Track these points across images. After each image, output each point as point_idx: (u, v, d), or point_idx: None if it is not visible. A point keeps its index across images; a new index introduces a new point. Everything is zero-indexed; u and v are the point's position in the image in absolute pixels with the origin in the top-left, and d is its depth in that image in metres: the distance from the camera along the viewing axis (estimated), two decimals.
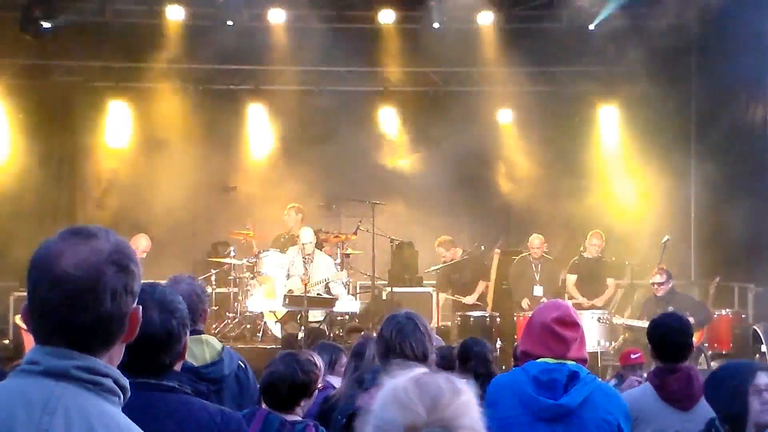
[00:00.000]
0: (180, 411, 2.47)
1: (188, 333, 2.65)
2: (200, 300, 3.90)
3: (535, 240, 11.64)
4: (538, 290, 11.45)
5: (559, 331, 3.45)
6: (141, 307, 1.79)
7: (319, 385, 3.91)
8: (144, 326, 2.46)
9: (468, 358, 5.34)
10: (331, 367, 5.15)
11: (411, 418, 1.48)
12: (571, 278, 11.51)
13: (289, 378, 3.74)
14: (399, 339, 3.63)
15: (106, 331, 1.73)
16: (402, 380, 1.57)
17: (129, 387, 1.77)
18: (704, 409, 3.98)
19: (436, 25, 12.84)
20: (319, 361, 3.89)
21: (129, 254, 1.77)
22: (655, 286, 10.21)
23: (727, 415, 3.72)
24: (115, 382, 1.73)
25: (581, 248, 11.58)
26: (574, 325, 3.51)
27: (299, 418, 3.74)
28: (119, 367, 2.54)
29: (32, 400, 1.66)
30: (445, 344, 6.59)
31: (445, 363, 4.92)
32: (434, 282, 12.21)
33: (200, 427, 2.47)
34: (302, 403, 3.78)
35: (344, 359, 5.13)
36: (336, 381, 4.88)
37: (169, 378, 2.55)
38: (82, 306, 1.69)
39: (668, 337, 4.46)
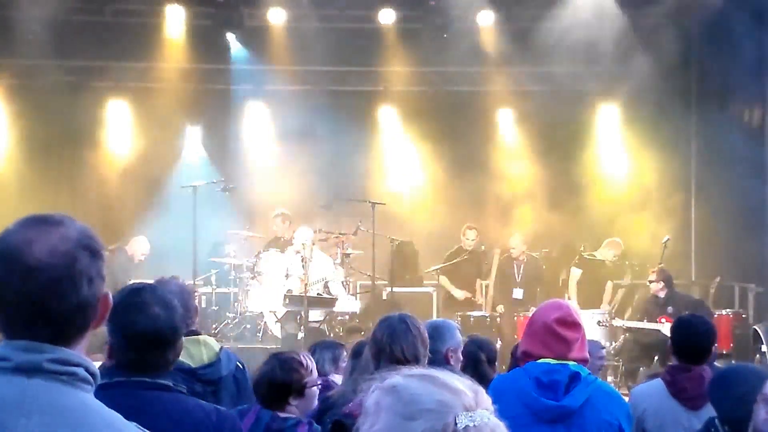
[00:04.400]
0: (175, 409, 2.48)
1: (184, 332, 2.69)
2: (191, 299, 3.92)
3: (512, 239, 11.31)
4: (517, 293, 11.12)
5: (560, 332, 3.44)
6: (110, 292, 1.74)
7: (318, 384, 3.90)
8: (152, 323, 2.56)
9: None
10: (334, 365, 5.13)
11: (465, 401, 1.51)
12: (576, 272, 11.26)
13: (267, 376, 3.76)
14: (390, 341, 3.63)
15: (84, 318, 1.68)
16: (425, 372, 1.57)
17: (99, 374, 1.71)
18: (713, 410, 3.97)
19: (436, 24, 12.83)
20: (307, 360, 3.86)
21: (96, 239, 1.72)
22: (658, 294, 10.14)
23: (729, 418, 3.71)
24: (86, 369, 1.67)
25: (582, 249, 11.49)
26: (576, 326, 3.49)
27: (292, 416, 3.74)
28: (120, 367, 2.55)
29: (6, 400, 1.59)
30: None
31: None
32: (434, 282, 12.18)
33: (195, 425, 2.47)
34: (293, 402, 3.76)
35: (345, 355, 5.12)
36: (339, 379, 4.85)
37: (163, 377, 2.56)
38: (61, 294, 1.63)
39: (691, 340, 4.44)
